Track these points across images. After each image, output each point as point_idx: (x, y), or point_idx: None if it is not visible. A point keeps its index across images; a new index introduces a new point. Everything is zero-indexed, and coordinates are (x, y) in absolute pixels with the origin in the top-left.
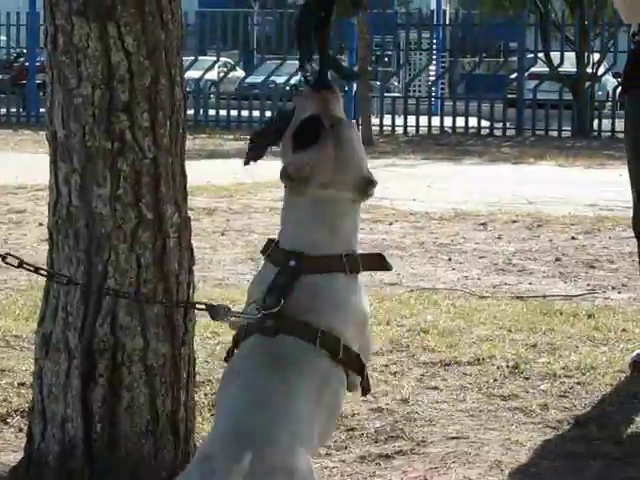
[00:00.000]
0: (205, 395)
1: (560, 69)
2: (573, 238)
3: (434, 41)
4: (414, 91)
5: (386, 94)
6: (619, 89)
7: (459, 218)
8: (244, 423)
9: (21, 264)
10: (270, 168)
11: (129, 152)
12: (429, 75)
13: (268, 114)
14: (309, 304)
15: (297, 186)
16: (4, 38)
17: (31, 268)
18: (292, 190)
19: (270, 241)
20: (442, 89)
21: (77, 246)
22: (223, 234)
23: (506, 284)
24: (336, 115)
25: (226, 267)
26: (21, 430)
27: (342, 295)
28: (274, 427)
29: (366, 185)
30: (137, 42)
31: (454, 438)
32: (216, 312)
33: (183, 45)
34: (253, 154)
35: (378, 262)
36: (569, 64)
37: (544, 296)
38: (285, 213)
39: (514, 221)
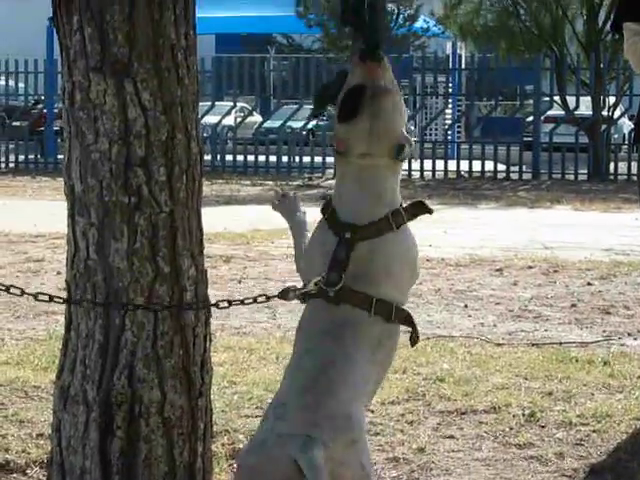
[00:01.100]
0: (222, 445)
1: (576, 112)
2: (589, 284)
3: (450, 85)
4: (430, 135)
5: None
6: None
7: (475, 264)
8: (311, 380)
9: (51, 298)
10: None
11: (146, 206)
12: (445, 119)
13: (285, 159)
14: (365, 272)
15: (340, 157)
16: (22, 85)
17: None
18: (338, 159)
19: (328, 201)
20: (458, 133)
21: (95, 299)
22: (240, 282)
23: (522, 331)
24: (379, 85)
25: (243, 315)
26: None
27: (393, 255)
28: (335, 385)
29: (400, 149)
30: (153, 98)
31: None
32: (286, 294)
33: (200, 93)
34: (319, 105)
35: (420, 208)
36: (585, 107)
37: (560, 343)
38: (337, 180)
39: (530, 267)
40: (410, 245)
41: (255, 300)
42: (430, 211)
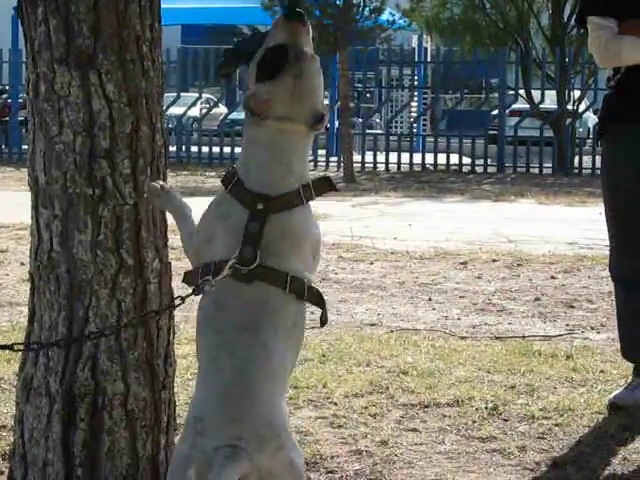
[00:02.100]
0: None
1: (541, 106)
2: (553, 277)
3: (415, 78)
4: (396, 128)
5: (368, 131)
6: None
7: (440, 257)
8: (230, 385)
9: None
10: None
11: (110, 198)
12: (411, 112)
13: None
14: (278, 248)
15: (255, 120)
16: None
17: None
18: (252, 122)
19: (232, 172)
20: (424, 126)
21: (58, 291)
22: None
23: (486, 324)
24: (302, 47)
25: None
26: (2, 473)
27: (303, 229)
28: (257, 385)
29: (319, 119)
30: (118, 90)
31: None
32: (203, 290)
33: (165, 84)
34: (225, 69)
35: (327, 185)
36: (550, 101)
37: (523, 337)
38: (246, 147)
39: (494, 260)
40: (315, 222)
41: (170, 306)
42: (336, 189)
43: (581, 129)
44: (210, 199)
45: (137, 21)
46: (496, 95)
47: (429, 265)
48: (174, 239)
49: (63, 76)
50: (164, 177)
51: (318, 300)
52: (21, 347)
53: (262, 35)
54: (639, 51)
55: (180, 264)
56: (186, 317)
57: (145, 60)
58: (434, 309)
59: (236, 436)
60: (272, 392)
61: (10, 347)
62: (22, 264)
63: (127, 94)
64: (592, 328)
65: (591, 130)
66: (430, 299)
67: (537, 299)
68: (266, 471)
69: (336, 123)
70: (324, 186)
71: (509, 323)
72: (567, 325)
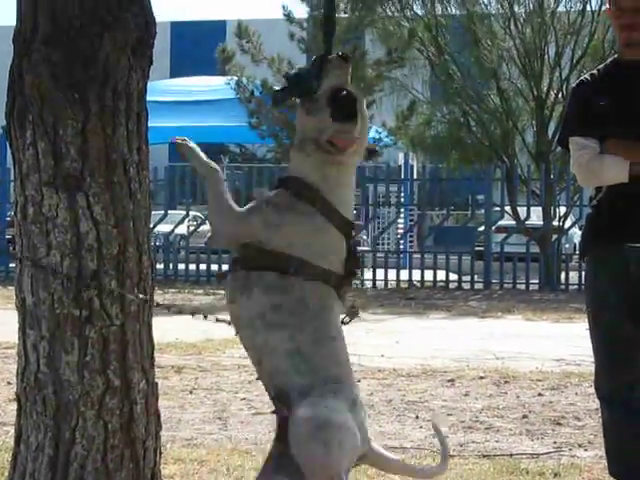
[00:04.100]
0: None
1: (527, 222)
2: (540, 394)
3: (402, 195)
4: (383, 245)
5: None
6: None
7: (427, 374)
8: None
9: None
10: None
11: (97, 319)
12: (397, 229)
13: None
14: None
15: (336, 155)
16: None
17: None
18: (326, 156)
19: (305, 186)
20: (410, 242)
21: (45, 412)
22: (191, 392)
23: (473, 442)
24: (355, 89)
25: (194, 426)
26: None
27: None
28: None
29: (372, 152)
30: (105, 212)
31: None
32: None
33: (153, 202)
34: (281, 98)
35: None
36: (536, 217)
37: (511, 455)
38: (323, 175)
39: (481, 377)
40: None
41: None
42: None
43: (567, 245)
44: (197, 316)
45: (124, 144)
46: (482, 212)
47: (416, 382)
48: (161, 358)
49: (51, 198)
50: (151, 297)
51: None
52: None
53: (316, 71)
54: (620, 171)
55: (167, 383)
56: (172, 437)
57: (132, 182)
58: (421, 427)
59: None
60: None
61: None
62: (9, 383)
63: (114, 216)
64: (579, 445)
65: (577, 246)
66: (417, 417)
67: (524, 416)
68: None
69: None
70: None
71: (496, 441)
72: (554, 442)
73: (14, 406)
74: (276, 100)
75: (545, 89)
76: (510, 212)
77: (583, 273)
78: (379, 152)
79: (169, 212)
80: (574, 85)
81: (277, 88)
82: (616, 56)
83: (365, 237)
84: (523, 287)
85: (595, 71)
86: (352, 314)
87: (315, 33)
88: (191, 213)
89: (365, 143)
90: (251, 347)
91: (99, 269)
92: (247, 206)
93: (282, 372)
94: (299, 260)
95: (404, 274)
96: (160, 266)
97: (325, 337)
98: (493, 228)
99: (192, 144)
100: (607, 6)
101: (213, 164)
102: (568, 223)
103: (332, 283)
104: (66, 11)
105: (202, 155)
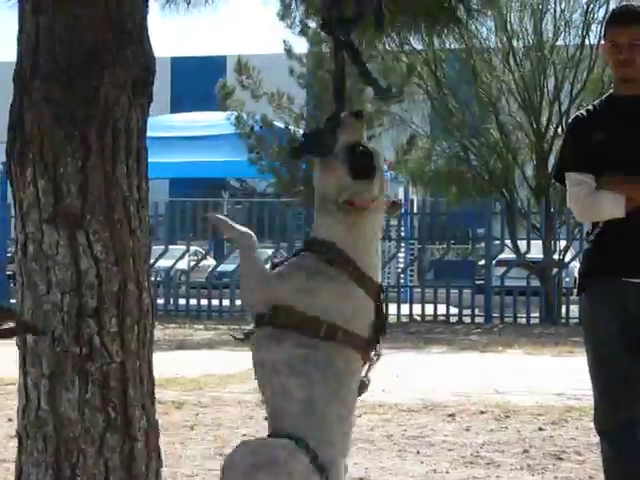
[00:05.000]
0: None
1: (527, 256)
2: (541, 429)
3: (402, 229)
4: (383, 279)
5: None
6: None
7: (427, 409)
8: None
9: None
10: (238, 360)
11: (97, 357)
12: (398, 263)
13: (238, 303)
14: None
15: (359, 213)
16: None
17: None
18: (351, 214)
19: (335, 249)
20: (411, 276)
21: (46, 450)
22: (192, 428)
23: (474, 477)
24: (370, 145)
25: (195, 463)
26: None
27: None
28: None
29: (394, 208)
30: (105, 249)
31: None
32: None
33: (154, 237)
34: (298, 153)
35: None
36: (536, 251)
37: None
38: (350, 236)
39: (482, 412)
40: None
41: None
42: None
43: (567, 279)
44: (199, 352)
45: (124, 182)
46: (482, 245)
47: (417, 417)
48: (162, 394)
49: (51, 236)
50: (151, 335)
51: None
52: None
53: (331, 128)
54: (617, 207)
55: (168, 418)
56: (173, 473)
57: (132, 220)
58: (422, 462)
59: None
60: None
61: None
62: (10, 420)
63: (114, 253)
64: None
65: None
66: (418, 452)
67: (525, 451)
68: None
69: None
70: None
71: (497, 476)
72: (555, 477)
73: (15, 442)
74: (294, 154)
75: (544, 123)
76: (510, 246)
77: None
78: (401, 204)
79: (170, 247)
80: (570, 121)
81: (295, 145)
82: (612, 91)
83: None
84: (524, 321)
85: (591, 107)
86: (363, 387)
87: (314, 69)
88: (192, 248)
89: (384, 198)
90: (267, 387)
91: (99, 306)
92: (277, 270)
93: (287, 415)
94: (330, 324)
95: (405, 308)
96: (161, 301)
97: (339, 404)
98: (494, 262)
99: (221, 216)
100: (603, 42)
101: (245, 229)
102: (568, 257)
103: (360, 347)
104: (66, 50)
105: (232, 223)
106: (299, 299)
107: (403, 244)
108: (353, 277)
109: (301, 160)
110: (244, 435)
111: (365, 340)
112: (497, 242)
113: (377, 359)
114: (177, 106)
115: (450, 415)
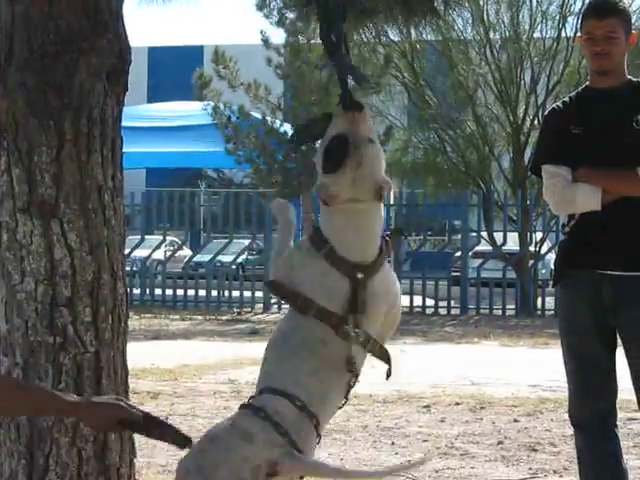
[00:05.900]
0: None
1: (503, 248)
2: (515, 420)
3: None
4: None
5: None
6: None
7: (403, 400)
8: None
9: None
10: (214, 351)
11: (71, 346)
12: None
13: (214, 294)
14: (376, 309)
15: (328, 205)
16: None
17: None
18: (325, 207)
19: (322, 238)
20: None
21: (19, 440)
22: (167, 418)
23: (449, 468)
24: (362, 135)
25: (169, 453)
26: None
27: (392, 283)
28: None
29: (379, 191)
30: (80, 238)
31: None
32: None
33: (130, 226)
34: (299, 141)
35: (394, 238)
36: (512, 243)
37: None
38: (329, 220)
39: (457, 403)
40: (393, 274)
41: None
42: (404, 234)
43: (544, 271)
44: (175, 342)
45: (99, 171)
46: (459, 237)
47: (392, 408)
48: (137, 384)
49: (25, 225)
50: (125, 325)
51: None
52: None
53: (328, 117)
54: (592, 198)
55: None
56: (147, 463)
57: (107, 209)
58: (397, 453)
59: None
60: None
61: None
62: None
63: (89, 243)
64: (555, 472)
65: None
66: (393, 443)
67: (500, 442)
68: None
69: None
70: (393, 241)
71: (472, 467)
72: (530, 469)
73: None
74: (293, 143)
75: (521, 115)
76: (487, 237)
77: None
78: (384, 190)
79: (146, 237)
80: (546, 113)
81: (291, 135)
82: (588, 84)
83: None
84: (500, 312)
85: (567, 99)
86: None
87: (292, 60)
88: (168, 238)
89: (365, 188)
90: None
91: (73, 296)
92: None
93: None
94: (305, 298)
95: None
96: (137, 291)
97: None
98: (470, 253)
99: (284, 201)
100: (579, 34)
101: (291, 219)
102: (544, 248)
103: (332, 322)
104: (41, 37)
105: (288, 213)
106: (287, 274)
107: None
108: (326, 258)
109: (297, 149)
110: None
111: (339, 316)
112: (473, 234)
113: (359, 338)
114: (154, 96)
115: (425, 406)
